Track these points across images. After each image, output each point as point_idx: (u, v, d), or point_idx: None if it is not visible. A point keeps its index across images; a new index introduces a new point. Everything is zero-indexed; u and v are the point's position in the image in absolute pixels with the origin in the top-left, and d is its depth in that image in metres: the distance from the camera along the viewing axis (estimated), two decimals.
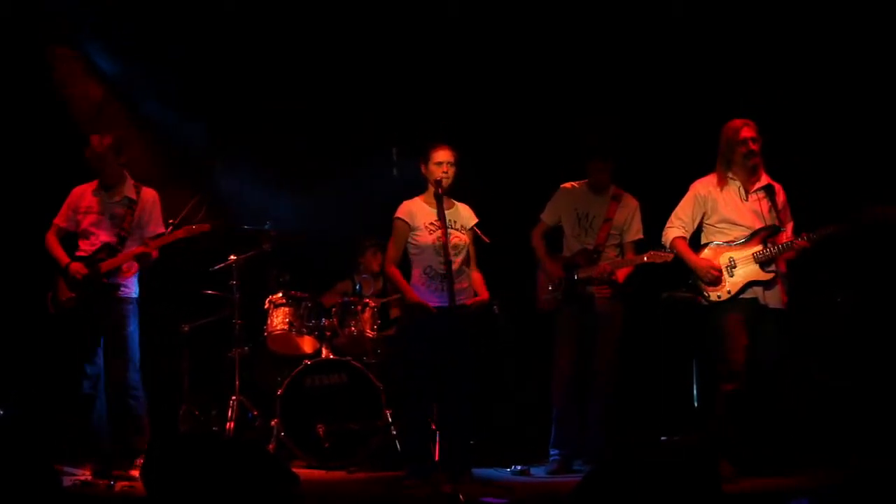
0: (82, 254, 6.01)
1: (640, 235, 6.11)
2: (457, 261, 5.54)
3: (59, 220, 6.12)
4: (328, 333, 6.78)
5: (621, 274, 5.99)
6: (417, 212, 5.66)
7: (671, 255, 5.71)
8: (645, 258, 5.83)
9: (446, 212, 5.51)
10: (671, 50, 7.08)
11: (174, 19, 7.06)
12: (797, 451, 5.71)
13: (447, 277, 5.25)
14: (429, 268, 5.59)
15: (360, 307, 6.76)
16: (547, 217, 6.22)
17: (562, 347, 6.08)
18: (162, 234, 6.01)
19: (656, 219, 5.94)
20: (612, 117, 7.04)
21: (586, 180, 6.18)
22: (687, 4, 6.74)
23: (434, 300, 5.51)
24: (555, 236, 6.25)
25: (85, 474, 5.68)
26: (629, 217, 6.11)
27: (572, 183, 6.23)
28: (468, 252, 5.69)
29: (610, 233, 6.06)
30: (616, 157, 6.12)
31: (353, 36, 7.26)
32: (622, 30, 7.09)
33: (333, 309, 6.79)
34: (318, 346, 6.86)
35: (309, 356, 6.78)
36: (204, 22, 7.11)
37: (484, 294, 5.68)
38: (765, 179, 5.59)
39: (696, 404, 6.78)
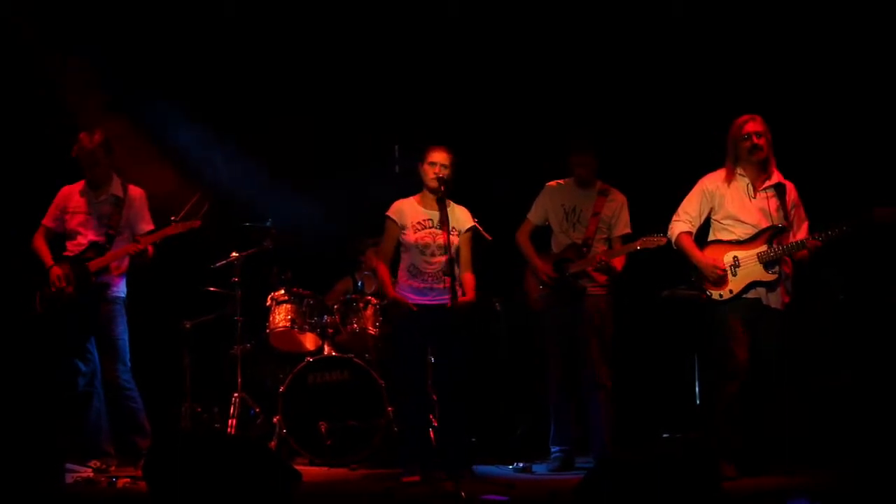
0: (69, 254, 5.97)
1: (628, 230, 6.07)
2: (439, 260, 5.58)
3: (47, 221, 6.07)
4: (330, 331, 6.78)
5: (618, 263, 5.96)
6: (407, 210, 5.71)
7: (664, 240, 5.66)
8: (637, 245, 5.79)
9: (441, 213, 5.54)
10: (669, 47, 7.08)
11: (176, 21, 7.05)
12: (797, 450, 5.70)
13: (431, 276, 5.28)
14: (412, 265, 5.67)
15: (362, 304, 6.76)
16: (533, 216, 6.20)
17: (552, 345, 6.06)
18: (153, 231, 5.99)
19: (649, 214, 5.95)
20: (595, 116, 7.07)
21: (572, 178, 6.16)
22: (687, 3, 6.72)
23: (415, 297, 5.59)
24: (540, 236, 6.24)
25: (87, 471, 5.69)
26: (617, 211, 6.07)
27: (557, 181, 6.21)
28: (459, 254, 5.69)
29: (598, 227, 6.03)
30: (598, 152, 6.08)
31: (359, 35, 7.28)
32: (619, 29, 7.09)
33: (336, 306, 6.79)
34: (320, 343, 6.87)
35: (311, 353, 6.78)
36: (204, 23, 7.11)
37: (470, 295, 5.68)
38: (776, 177, 5.52)
39: (697, 402, 6.78)
